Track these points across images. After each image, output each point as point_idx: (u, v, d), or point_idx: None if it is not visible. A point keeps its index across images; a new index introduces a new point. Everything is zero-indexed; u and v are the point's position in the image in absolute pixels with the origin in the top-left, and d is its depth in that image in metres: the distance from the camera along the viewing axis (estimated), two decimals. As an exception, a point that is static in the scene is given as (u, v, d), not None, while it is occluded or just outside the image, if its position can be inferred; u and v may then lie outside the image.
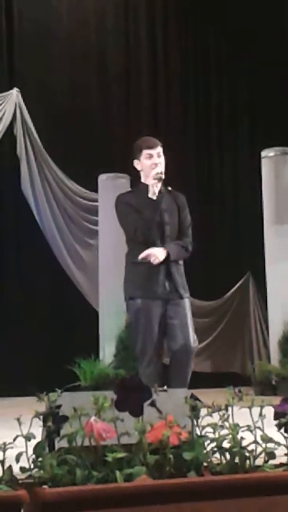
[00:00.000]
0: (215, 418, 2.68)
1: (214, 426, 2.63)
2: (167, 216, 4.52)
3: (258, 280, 10.73)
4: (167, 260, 4.44)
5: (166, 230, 4.50)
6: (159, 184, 4.47)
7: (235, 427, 2.62)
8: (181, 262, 4.58)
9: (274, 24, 11.62)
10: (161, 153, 4.57)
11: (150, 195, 4.45)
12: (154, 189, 4.46)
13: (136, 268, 4.52)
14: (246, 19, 11.67)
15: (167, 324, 4.43)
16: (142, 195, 4.49)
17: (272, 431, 2.64)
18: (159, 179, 4.46)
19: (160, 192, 4.49)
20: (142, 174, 4.62)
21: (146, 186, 4.52)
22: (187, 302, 4.51)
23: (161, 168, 4.50)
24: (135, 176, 4.72)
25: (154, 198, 4.45)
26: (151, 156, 4.53)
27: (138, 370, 4.48)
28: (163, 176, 4.47)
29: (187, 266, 4.67)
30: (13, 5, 10.55)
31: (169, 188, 4.57)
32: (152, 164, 4.51)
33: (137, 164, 4.62)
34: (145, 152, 4.54)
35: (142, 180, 4.62)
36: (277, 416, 2.67)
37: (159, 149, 4.57)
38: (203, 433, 2.66)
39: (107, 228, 9.77)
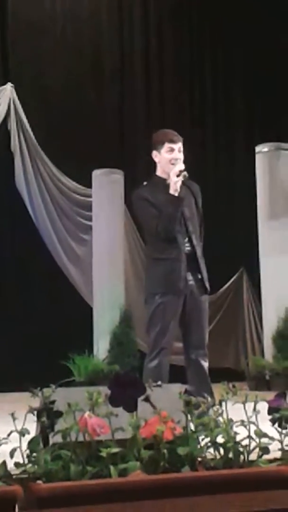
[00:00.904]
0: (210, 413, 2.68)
1: (208, 421, 2.64)
2: (187, 211, 4.49)
3: (252, 275, 10.74)
4: (193, 256, 4.44)
5: (189, 225, 4.46)
6: (180, 181, 4.41)
7: (229, 422, 2.62)
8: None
9: (269, 20, 11.60)
10: (182, 149, 4.53)
11: (172, 192, 4.38)
12: (177, 186, 4.38)
13: (157, 264, 4.45)
14: (241, 16, 11.65)
15: (186, 320, 4.45)
16: (160, 190, 4.43)
17: (266, 426, 2.65)
18: (184, 177, 4.40)
19: None
20: (158, 166, 4.57)
21: (163, 180, 4.48)
22: (206, 297, 4.53)
23: (183, 165, 4.44)
24: (153, 167, 4.65)
25: (176, 194, 4.39)
26: (172, 150, 4.48)
27: (142, 364, 4.48)
28: (187, 174, 4.41)
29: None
30: (7, 1, 10.52)
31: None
32: (172, 159, 4.46)
33: (155, 156, 4.56)
34: (167, 145, 4.49)
35: (158, 173, 4.57)
36: (271, 411, 2.68)
37: (180, 145, 4.52)
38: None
39: (101, 223, 9.79)
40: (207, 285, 4.47)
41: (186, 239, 4.45)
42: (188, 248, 4.44)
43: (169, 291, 4.37)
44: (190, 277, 4.42)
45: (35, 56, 10.61)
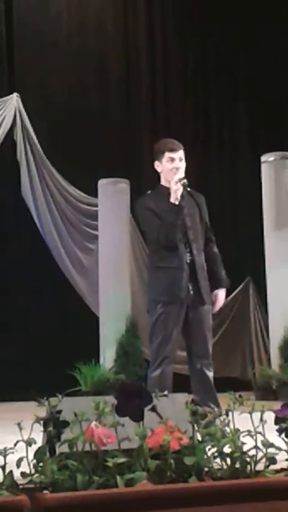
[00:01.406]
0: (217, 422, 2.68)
1: (215, 431, 2.63)
2: (189, 220, 4.51)
3: (258, 285, 10.71)
4: (193, 265, 4.45)
5: (190, 234, 4.49)
6: (181, 189, 4.44)
7: (236, 432, 2.62)
8: (205, 267, 4.58)
9: (275, 27, 11.60)
10: (183, 157, 4.55)
11: (172, 200, 4.41)
12: (177, 195, 4.41)
13: (159, 272, 4.47)
14: (246, 22, 11.66)
15: (188, 329, 4.46)
16: (163, 199, 4.46)
17: (273, 436, 2.64)
18: (183, 185, 4.42)
19: (181, 195, 4.45)
20: (162, 176, 4.61)
21: (166, 189, 4.50)
22: (209, 307, 4.53)
23: (183, 173, 4.47)
24: (157, 177, 4.70)
25: (177, 203, 4.41)
26: (173, 159, 4.52)
27: (147, 373, 4.48)
28: (186, 182, 4.44)
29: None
30: (13, 10, 10.55)
31: (188, 189, 4.52)
32: (173, 168, 4.49)
33: (157, 166, 4.60)
34: (167, 155, 4.53)
35: (162, 182, 4.61)
36: (277, 421, 2.67)
37: (181, 153, 4.55)
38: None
39: (107, 233, 9.78)
40: (204, 296, 4.46)
41: (188, 249, 4.46)
42: (190, 257, 4.45)
43: (170, 300, 4.38)
44: (191, 286, 4.42)
45: (41, 65, 10.61)
